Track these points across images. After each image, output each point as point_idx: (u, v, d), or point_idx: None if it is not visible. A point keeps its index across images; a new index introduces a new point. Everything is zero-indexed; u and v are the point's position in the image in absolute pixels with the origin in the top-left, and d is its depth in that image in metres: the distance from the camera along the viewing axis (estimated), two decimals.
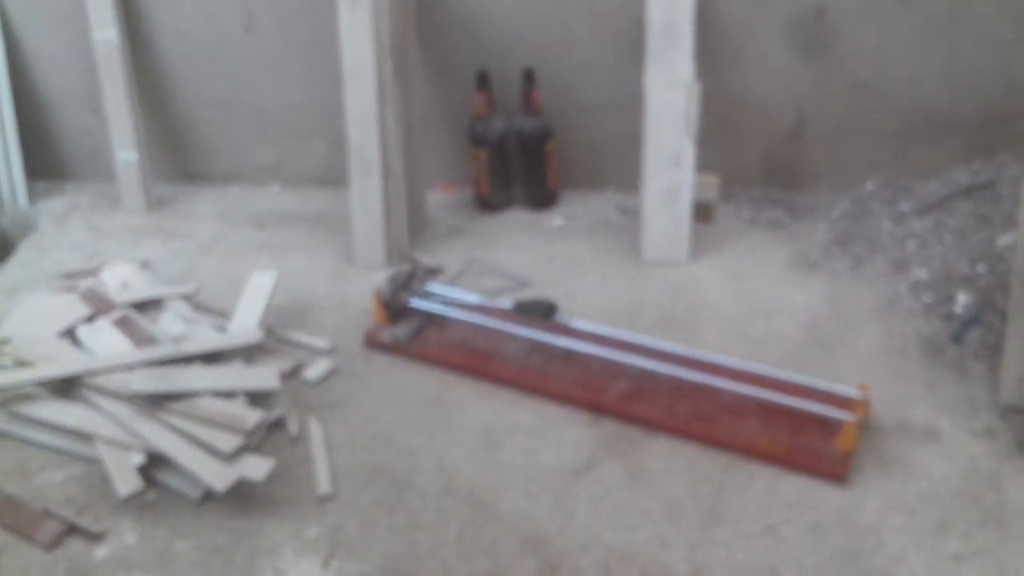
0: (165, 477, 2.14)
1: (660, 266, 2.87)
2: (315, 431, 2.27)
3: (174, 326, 2.54)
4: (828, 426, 2.15)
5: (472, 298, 2.65)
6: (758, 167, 3.20)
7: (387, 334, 2.56)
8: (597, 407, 2.31)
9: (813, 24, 2.92)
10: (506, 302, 2.60)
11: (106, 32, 3.10)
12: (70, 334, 2.53)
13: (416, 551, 1.97)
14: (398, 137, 2.91)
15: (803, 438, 2.15)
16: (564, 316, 2.55)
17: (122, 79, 3.14)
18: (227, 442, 2.09)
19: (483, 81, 3.10)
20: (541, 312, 2.53)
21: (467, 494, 2.10)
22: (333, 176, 3.32)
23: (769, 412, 2.21)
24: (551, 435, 2.25)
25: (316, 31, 3.12)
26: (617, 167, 3.25)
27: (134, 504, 2.09)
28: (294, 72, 3.25)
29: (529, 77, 3.07)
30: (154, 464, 2.14)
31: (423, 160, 3.14)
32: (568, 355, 2.45)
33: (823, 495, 2.04)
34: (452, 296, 2.66)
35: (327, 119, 3.26)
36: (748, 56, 3.01)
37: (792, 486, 2.07)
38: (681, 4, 2.73)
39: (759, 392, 2.23)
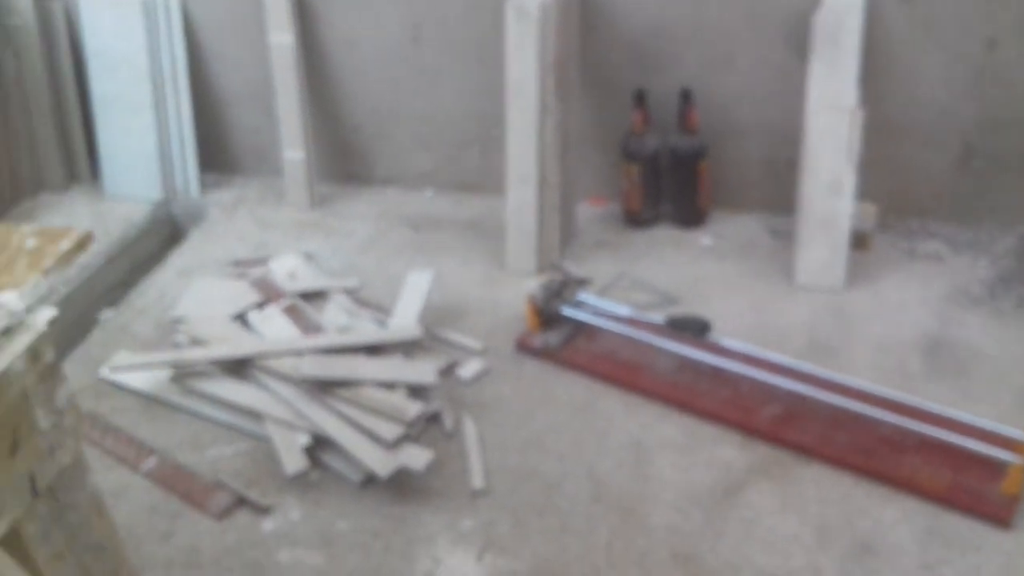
0: (329, 459, 2.23)
1: (813, 291, 2.84)
2: (469, 428, 2.34)
3: (338, 317, 2.65)
4: (992, 467, 2.09)
5: (623, 310, 2.68)
6: (918, 198, 3.13)
7: (539, 340, 2.62)
8: (748, 429, 2.30)
9: (983, 56, 2.85)
10: (658, 317, 2.62)
11: (282, 36, 3.26)
12: (241, 318, 2.67)
13: (566, 555, 2.00)
14: (555, 149, 2.97)
15: (966, 477, 2.09)
16: (715, 335, 2.55)
17: (294, 82, 3.29)
18: (389, 431, 2.17)
19: (640, 99, 3.13)
20: (694, 329, 2.54)
21: (616, 503, 2.12)
22: (486, 183, 3.41)
23: (930, 448, 2.16)
24: (701, 453, 2.26)
25: (479, 44, 3.22)
26: (768, 190, 3.23)
27: (298, 483, 2.19)
28: (455, 83, 3.35)
29: (686, 97, 3.09)
30: (319, 446, 2.24)
31: (576, 172, 3.19)
32: (718, 374, 2.45)
33: (985, 538, 1.99)
34: (603, 307, 2.69)
35: (483, 128, 3.36)
36: (914, 84, 2.95)
37: (952, 526, 2.02)
38: (847, 29, 2.70)
39: (920, 427, 2.18)
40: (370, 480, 2.17)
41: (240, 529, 2.10)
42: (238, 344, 2.49)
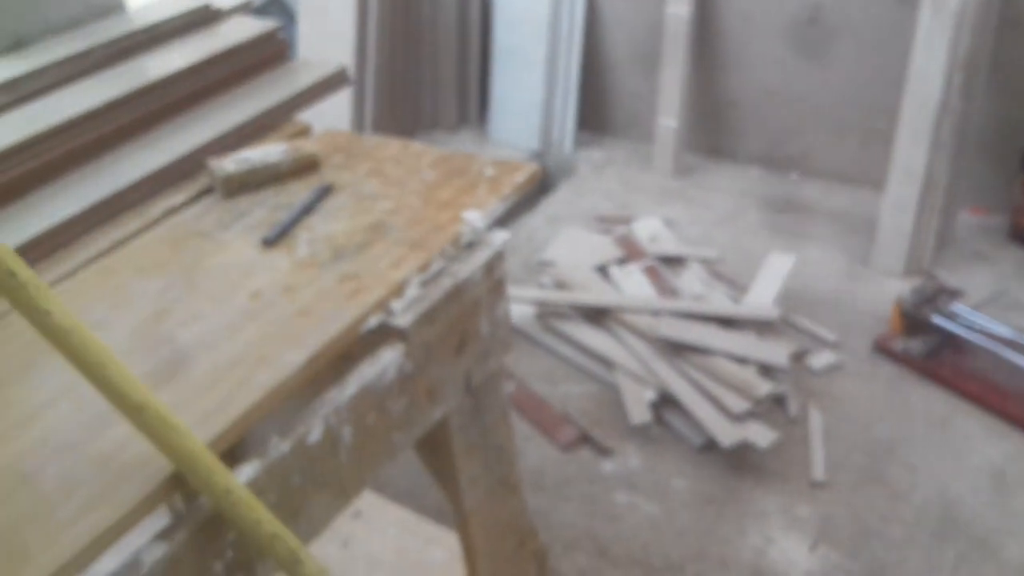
0: (671, 418, 2.31)
1: None
2: (814, 417, 2.31)
3: (693, 285, 2.71)
4: None
5: (1002, 329, 2.49)
6: None
7: (900, 344, 2.51)
8: None
9: None
10: None
11: (680, 7, 3.32)
12: (602, 270, 2.81)
13: (904, 568, 1.93)
14: (949, 151, 2.79)
15: None
16: None
17: (683, 52, 3.35)
18: (737, 404, 2.20)
19: None
20: None
21: (967, 529, 2.01)
22: (858, 175, 3.29)
23: None
24: None
25: (879, 31, 3.08)
26: None
27: (639, 433, 2.29)
28: (845, 68, 3.24)
29: None
30: (663, 404, 2.32)
31: (964, 178, 2.98)
32: None
33: None
34: (978, 322, 2.52)
35: (867, 118, 3.23)
36: None
37: None
38: None
39: None
40: (709, 447, 2.22)
41: (582, 464, 2.24)
42: (599, 294, 2.63)
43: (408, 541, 1.96)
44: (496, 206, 1.25)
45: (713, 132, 3.61)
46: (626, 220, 3.13)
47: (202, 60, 1.46)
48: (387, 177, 1.33)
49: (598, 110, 3.82)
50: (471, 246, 1.20)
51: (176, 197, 1.31)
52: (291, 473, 0.96)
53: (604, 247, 2.91)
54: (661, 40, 3.40)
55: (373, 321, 1.07)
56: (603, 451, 2.26)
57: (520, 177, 1.30)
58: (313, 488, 1.00)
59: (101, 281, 1.13)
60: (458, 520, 1.37)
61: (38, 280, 0.76)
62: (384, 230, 1.20)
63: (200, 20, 1.59)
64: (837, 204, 3.28)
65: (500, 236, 1.22)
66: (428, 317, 1.10)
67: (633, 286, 2.69)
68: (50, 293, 0.77)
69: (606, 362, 2.47)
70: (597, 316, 2.57)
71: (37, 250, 1.17)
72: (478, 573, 1.40)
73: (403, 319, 1.08)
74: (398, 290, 1.10)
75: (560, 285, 2.72)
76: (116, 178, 1.29)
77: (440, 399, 1.18)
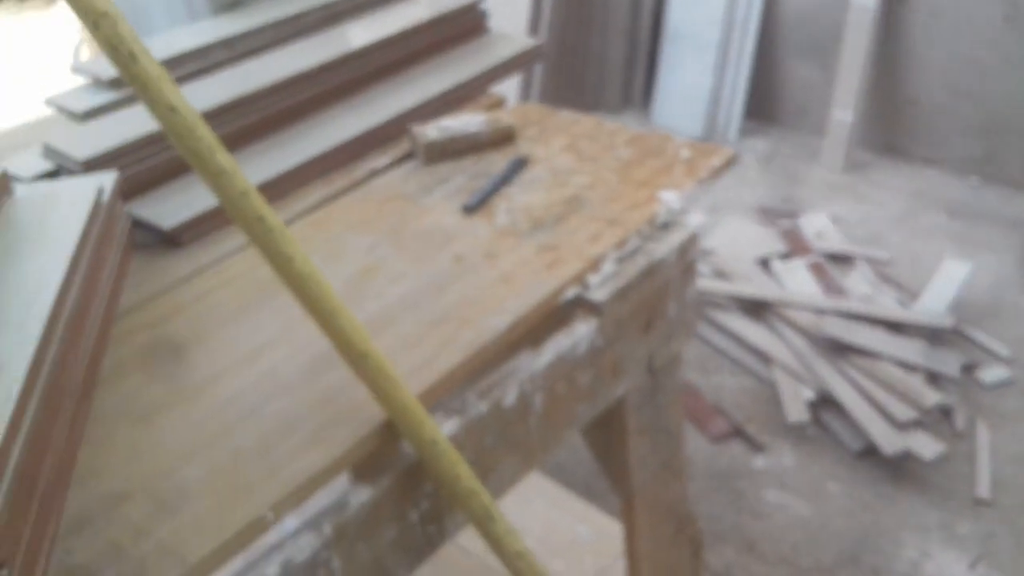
0: (829, 420, 2.25)
1: None
2: (982, 433, 2.21)
3: (860, 286, 2.62)
4: None
5: None
6: None
7: None
8: None
9: None
10: None
11: None
12: (764, 263, 2.75)
13: None
14: None
15: None
16: None
17: (865, 45, 3.23)
18: (902, 411, 2.13)
19: None
20: None
21: None
22: None
23: None
24: None
25: None
26: None
27: (794, 432, 2.24)
28: None
29: None
30: (822, 405, 2.27)
31: None
32: None
33: None
34: None
35: None
36: None
37: None
38: None
39: None
40: (868, 453, 2.15)
41: (732, 458, 2.22)
42: (761, 287, 2.58)
43: (556, 515, 1.99)
44: (692, 188, 1.24)
45: (888, 129, 3.47)
46: (792, 214, 3.06)
47: (407, 29, 1.50)
48: (581, 153, 1.35)
49: (767, 99, 3.73)
50: (666, 226, 1.20)
51: (380, 160, 1.36)
52: (486, 434, 0.99)
53: (767, 239, 2.85)
54: (842, 31, 3.29)
55: (570, 293, 1.08)
56: (756, 446, 2.23)
57: (717, 160, 1.29)
58: (503, 450, 1.03)
59: (314, 234, 1.19)
60: (621, 501, 1.38)
61: (284, 227, 0.81)
62: (580, 205, 1.22)
63: None
64: (1018, 212, 3.10)
65: (696, 219, 1.22)
66: (622, 294, 1.11)
67: (796, 282, 2.62)
68: (293, 240, 0.81)
69: (763, 356, 2.42)
70: (757, 309, 2.53)
71: None
72: (638, 554, 1.41)
73: (599, 294, 1.09)
74: (595, 265, 1.11)
75: (719, 275, 2.68)
76: (325, 138, 1.35)
77: (623, 376, 1.19)
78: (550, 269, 1.09)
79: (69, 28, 5.13)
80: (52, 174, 1.25)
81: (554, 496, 2.02)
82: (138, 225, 1.20)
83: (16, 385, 0.77)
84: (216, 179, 0.77)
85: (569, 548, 1.93)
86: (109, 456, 0.87)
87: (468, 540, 1.82)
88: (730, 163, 1.30)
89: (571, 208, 1.21)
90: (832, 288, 2.59)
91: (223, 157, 0.77)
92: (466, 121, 1.38)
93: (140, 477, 0.85)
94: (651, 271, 1.15)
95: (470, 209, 1.22)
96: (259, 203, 0.79)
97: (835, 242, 2.86)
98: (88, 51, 4.82)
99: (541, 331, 1.08)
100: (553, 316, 1.09)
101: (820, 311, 2.43)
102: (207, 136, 0.76)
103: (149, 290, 1.12)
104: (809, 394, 2.27)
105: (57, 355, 0.85)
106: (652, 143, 1.36)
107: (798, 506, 2.07)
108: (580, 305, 1.09)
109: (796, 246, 2.79)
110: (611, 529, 1.95)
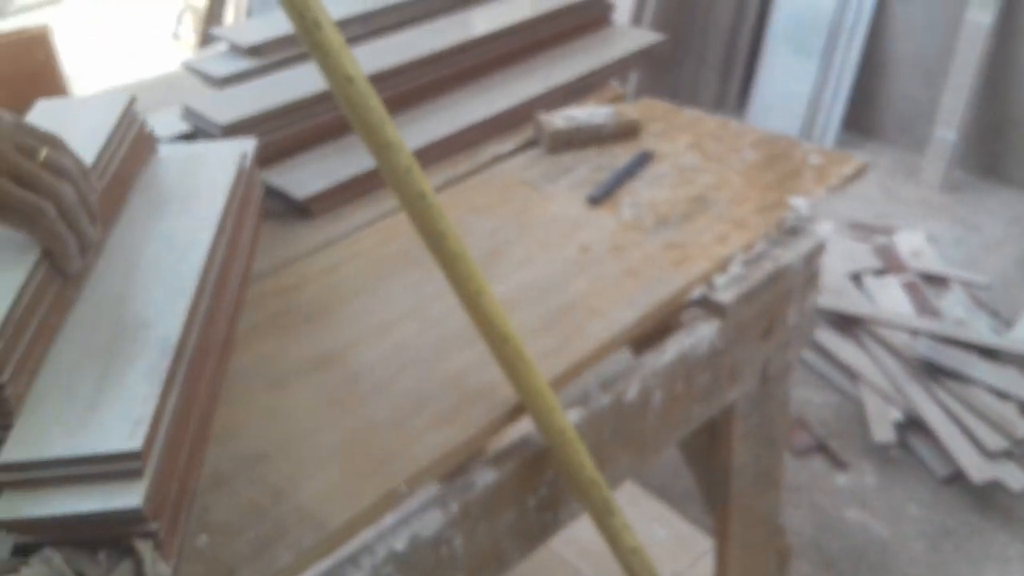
0: (915, 443, 2.21)
1: None
2: None
3: (954, 308, 2.56)
4: None
5: None
6: None
7: None
8: None
9: None
10: None
11: (982, 15, 3.11)
12: (856, 278, 2.70)
13: None
14: None
15: None
16: None
17: (975, 62, 3.14)
18: (994, 440, 2.07)
19: None
20: None
21: None
22: None
23: None
24: None
25: None
26: None
27: (878, 452, 2.20)
28: None
29: None
30: (909, 426, 2.22)
31: None
32: None
33: None
34: None
35: None
36: None
37: None
38: None
39: None
40: (954, 479, 2.11)
41: (814, 473, 2.19)
42: (852, 301, 2.53)
43: (633, 514, 1.97)
44: (822, 196, 1.23)
45: (993, 151, 3.38)
46: (887, 230, 3.00)
47: (535, 16, 1.50)
48: (706, 152, 1.34)
49: (867, 111, 3.66)
50: (794, 232, 1.19)
51: (503, 145, 1.37)
52: (605, 426, 1.00)
53: (860, 255, 2.80)
54: (953, 47, 3.21)
55: (696, 293, 1.08)
56: (838, 464, 2.20)
57: (848, 169, 1.27)
58: (619, 445, 1.03)
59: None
60: (715, 507, 1.38)
61: (440, 206, 0.82)
62: (706, 204, 1.21)
63: None
64: None
65: (824, 227, 1.20)
66: (747, 297, 1.10)
67: (889, 300, 2.57)
68: (447, 218, 0.82)
69: (851, 373, 2.38)
70: (847, 324, 2.49)
71: (375, 178, 1.25)
72: (728, 561, 1.40)
73: (725, 295, 1.08)
74: (722, 266, 1.11)
75: None
76: (450, 121, 1.36)
77: (738, 381, 1.18)
78: (677, 266, 1.09)
79: None
80: (189, 136, 1.28)
81: (632, 495, 2.01)
82: (269, 193, 1.22)
83: (171, 340, 0.80)
84: (383, 151, 0.78)
85: (646, 549, 1.92)
86: (246, 417, 0.90)
87: (561, 546, 1.84)
88: (861, 173, 1.28)
89: (697, 207, 1.20)
90: (926, 309, 2.53)
91: (391, 131, 0.78)
92: (592, 112, 1.37)
93: (276, 439, 0.87)
94: (777, 277, 1.14)
95: (595, 200, 1.22)
96: (422, 179, 0.80)
97: (931, 262, 2.79)
98: (191, 20, 4.93)
99: (659, 328, 1.08)
100: (674, 314, 1.09)
101: (913, 331, 2.38)
102: (379, 108, 0.78)
103: (280, 257, 1.14)
104: (897, 415, 2.23)
105: (205, 313, 0.88)
106: (779, 146, 1.34)
107: (878, 527, 2.03)
108: (705, 305, 1.09)
109: (890, 263, 2.73)
110: (688, 533, 1.94)
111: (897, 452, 2.21)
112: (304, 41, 0.75)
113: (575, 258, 1.11)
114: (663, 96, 1.59)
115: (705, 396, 1.13)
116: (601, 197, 1.22)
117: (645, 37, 1.59)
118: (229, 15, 4.87)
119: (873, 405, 2.26)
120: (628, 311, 1.02)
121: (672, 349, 1.05)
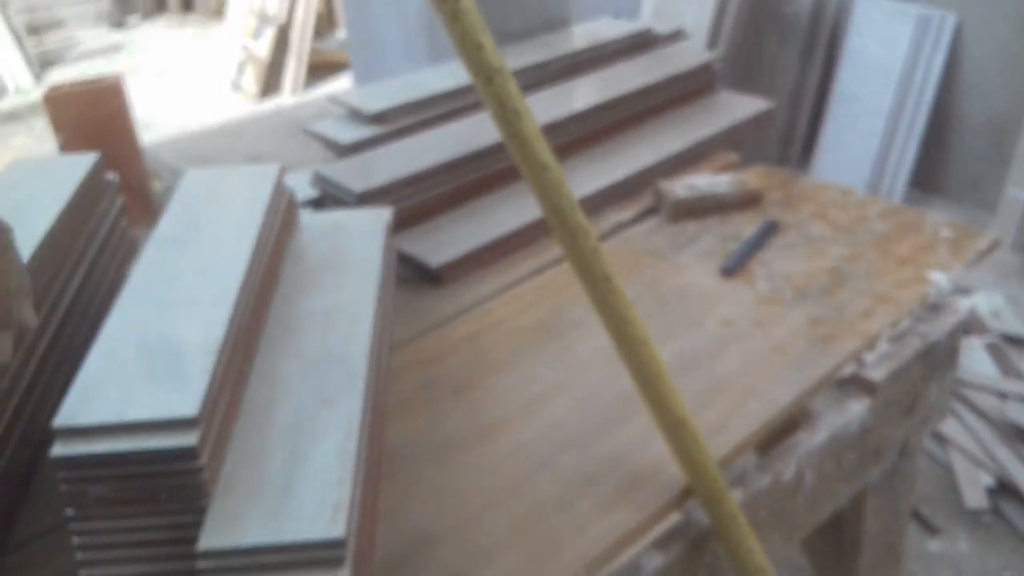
0: (1007, 508, 2.15)
1: None
2: None
3: None
4: None
5: None
6: None
7: None
8: None
9: None
10: None
11: None
12: None
13: None
14: None
15: None
16: None
17: None
18: None
19: None
20: None
21: None
22: None
23: None
24: None
25: None
26: None
27: (971, 518, 2.15)
28: None
29: None
30: (1000, 491, 2.17)
31: None
32: None
33: None
34: None
35: None
36: None
37: None
38: None
39: None
40: None
41: (906, 539, 2.13)
42: None
43: None
44: (959, 272, 1.21)
45: None
46: (965, 291, 2.95)
47: (649, 84, 1.51)
48: (833, 222, 1.32)
49: (935, 170, 3.63)
50: (935, 308, 1.17)
51: (623, 213, 1.37)
52: (761, 507, 0.98)
53: None
54: None
55: (847, 370, 1.06)
56: (930, 529, 2.14)
57: (983, 244, 1.25)
58: (771, 525, 1.01)
59: (568, 283, 1.20)
60: None
61: (624, 291, 0.81)
62: (844, 277, 1.19)
63: (641, 43, 1.65)
64: None
65: (966, 303, 1.18)
66: (896, 375, 1.08)
67: (973, 362, 2.53)
68: (630, 304, 0.81)
69: (939, 437, 2.33)
70: None
71: (504, 246, 1.25)
72: None
73: (876, 372, 1.06)
74: (870, 343, 1.09)
75: None
76: (573, 188, 1.36)
77: (882, 458, 1.15)
78: (826, 343, 1.07)
79: (229, 45, 5.34)
80: (317, 201, 1.29)
81: None
82: (399, 260, 1.22)
83: (355, 420, 0.79)
84: (573, 236, 0.78)
85: None
86: (411, 493, 0.89)
87: None
88: (994, 248, 1.26)
89: (835, 280, 1.19)
90: (1010, 371, 2.48)
91: (581, 216, 0.78)
92: (713, 181, 1.37)
93: (447, 520, 0.85)
94: (925, 353, 1.12)
95: (728, 272, 1.21)
96: (606, 262, 0.80)
97: (1012, 324, 2.75)
98: (252, 72, 5.01)
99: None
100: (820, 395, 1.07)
101: (1002, 394, 2.33)
102: (570, 194, 0.78)
103: (415, 327, 1.14)
104: (988, 480, 2.17)
105: (374, 388, 0.87)
106: (908, 218, 1.33)
107: None
108: (856, 383, 1.07)
109: (972, 325, 2.69)
110: None
111: (989, 517, 2.16)
112: (502, 129, 0.75)
113: (718, 332, 1.10)
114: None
115: (851, 475, 1.10)
116: (734, 268, 1.21)
117: (754, 104, 1.59)
118: (290, 68, 4.96)
119: (963, 470, 2.21)
120: (783, 389, 1.00)
121: (824, 429, 1.03)
